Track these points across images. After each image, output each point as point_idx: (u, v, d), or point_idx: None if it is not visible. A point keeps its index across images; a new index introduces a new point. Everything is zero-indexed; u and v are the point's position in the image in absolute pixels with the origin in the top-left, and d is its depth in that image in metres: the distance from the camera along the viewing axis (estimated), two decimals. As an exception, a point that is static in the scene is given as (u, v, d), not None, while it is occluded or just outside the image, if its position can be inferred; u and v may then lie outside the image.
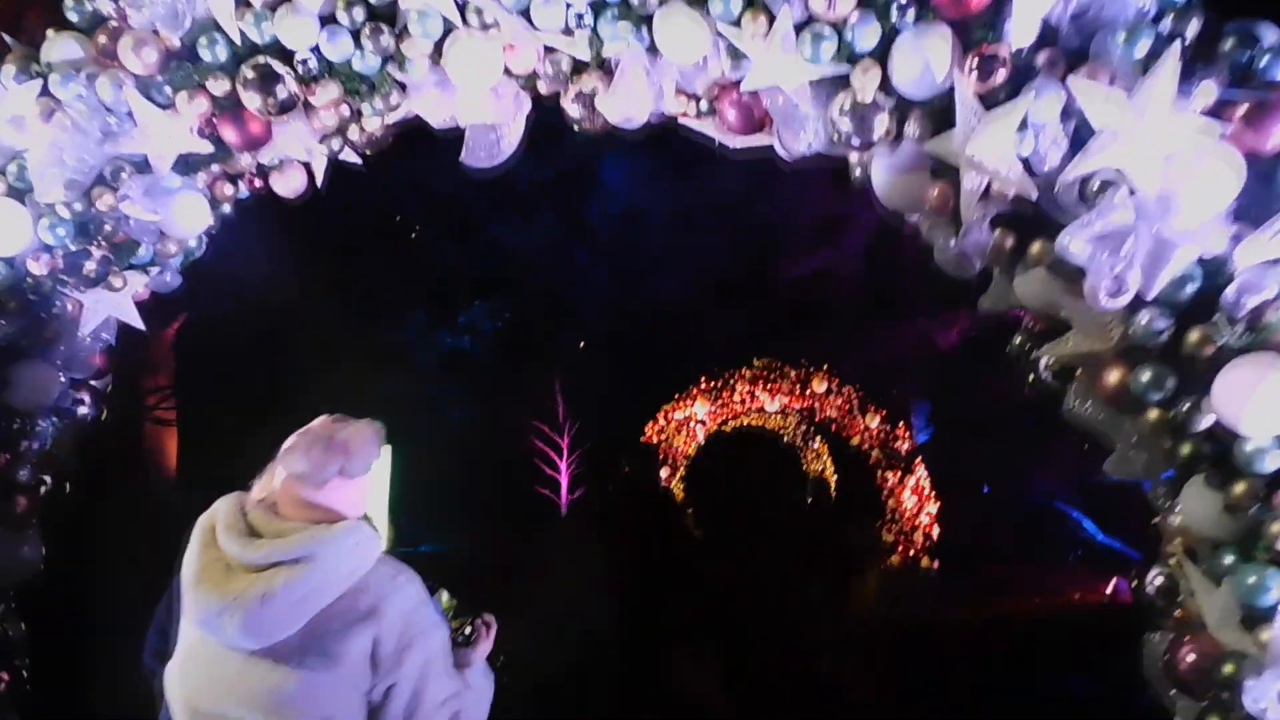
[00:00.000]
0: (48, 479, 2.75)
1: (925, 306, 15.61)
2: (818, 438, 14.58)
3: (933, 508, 9.32)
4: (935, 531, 9.21)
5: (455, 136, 2.84)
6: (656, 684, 5.39)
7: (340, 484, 1.91)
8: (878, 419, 9.73)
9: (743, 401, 10.69)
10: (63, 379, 2.63)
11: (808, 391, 10.02)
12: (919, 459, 9.54)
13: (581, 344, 19.18)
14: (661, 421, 11.17)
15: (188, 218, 2.59)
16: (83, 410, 2.77)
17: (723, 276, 18.41)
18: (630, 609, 5.17)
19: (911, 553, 9.14)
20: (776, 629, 5.84)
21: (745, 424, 13.45)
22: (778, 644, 5.74)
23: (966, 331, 14.63)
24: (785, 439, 15.10)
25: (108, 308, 2.61)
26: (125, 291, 2.66)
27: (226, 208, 2.84)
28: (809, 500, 8.14)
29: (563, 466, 16.10)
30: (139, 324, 2.73)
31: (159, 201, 2.46)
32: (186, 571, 1.86)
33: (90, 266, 2.51)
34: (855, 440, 9.95)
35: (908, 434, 9.71)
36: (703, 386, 10.88)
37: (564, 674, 5.09)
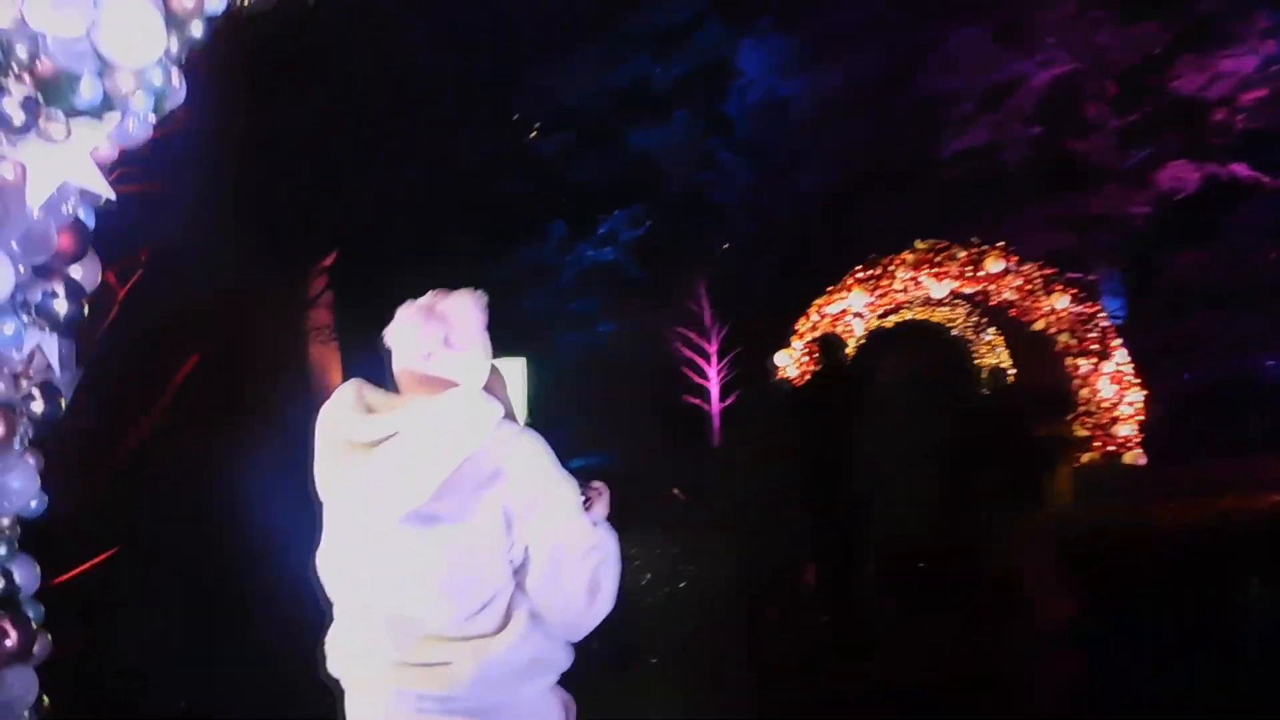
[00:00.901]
0: (35, 394, 2.17)
1: (1113, 169, 13.88)
2: (991, 328, 13.27)
3: (1135, 396, 8.00)
4: (1138, 423, 7.89)
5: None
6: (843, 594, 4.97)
7: (448, 356, 1.89)
8: (1066, 299, 8.38)
9: (904, 290, 9.52)
10: (20, 267, 2.02)
11: (980, 273, 8.76)
12: (1117, 342, 8.17)
13: (725, 245, 18.29)
14: (814, 317, 10.16)
15: (125, 33, 1.90)
16: (59, 305, 2.17)
17: (875, 158, 17.10)
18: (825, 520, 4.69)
19: (1111, 448, 7.89)
20: (962, 539, 5.13)
21: (909, 317, 12.33)
22: (965, 553, 5.09)
23: (1166, 194, 12.89)
24: (954, 330, 13.86)
25: (59, 169, 1.97)
26: (77, 146, 2.01)
27: (196, 27, 2.13)
28: (984, 396, 7.15)
29: (712, 373, 15.43)
30: (106, 190, 2.08)
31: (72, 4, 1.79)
32: (317, 458, 1.90)
33: (11, 109, 1.86)
34: (1039, 325, 8.66)
35: (1102, 314, 8.33)
36: (859, 275, 9.76)
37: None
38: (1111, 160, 14.19)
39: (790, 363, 10.29)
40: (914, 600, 5.29)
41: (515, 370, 8.21)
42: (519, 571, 1.84)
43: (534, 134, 18.12)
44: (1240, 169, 12.94)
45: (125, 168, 2.39)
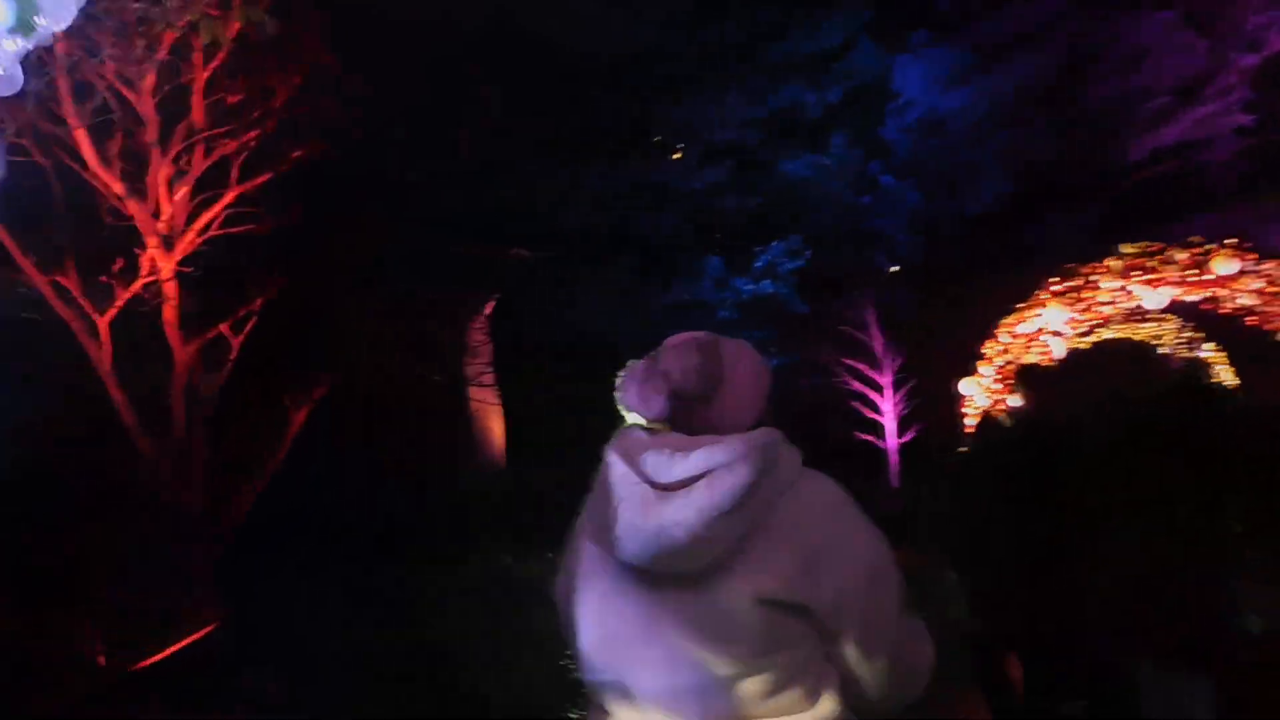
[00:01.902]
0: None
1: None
2: (1210, 343, 11.77)
3: None
4: None
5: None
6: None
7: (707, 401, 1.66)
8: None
9: (1112, 302, 8.38)
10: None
11: (1207, 276, 7.55)
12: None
13: (894, 268, 17.33)
14: (1005, 339, 9.13)
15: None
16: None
17: (1053, 167, 15.87)
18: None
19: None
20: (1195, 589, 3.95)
21: (1109, 335, 11.04)
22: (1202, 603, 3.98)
23: None
24: (1161, 348, 12.39)
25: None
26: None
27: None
28: (1207, 420, 5.92)
29: (887, 407, 14.43)
30: None
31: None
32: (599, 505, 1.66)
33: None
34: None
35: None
36: (1055, 289, 8.67)
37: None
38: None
39: (979, 391, 9.30)
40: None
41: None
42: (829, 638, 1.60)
43: (678, 155, 17.76)
44: None
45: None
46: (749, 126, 20.38)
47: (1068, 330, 8.87)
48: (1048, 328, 8.87)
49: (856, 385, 14.71)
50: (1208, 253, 7.60)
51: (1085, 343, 10.42)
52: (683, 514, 1.52)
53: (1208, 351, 11.74)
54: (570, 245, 14.50)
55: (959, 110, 17.30)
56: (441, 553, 7.38)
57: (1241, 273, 7.33)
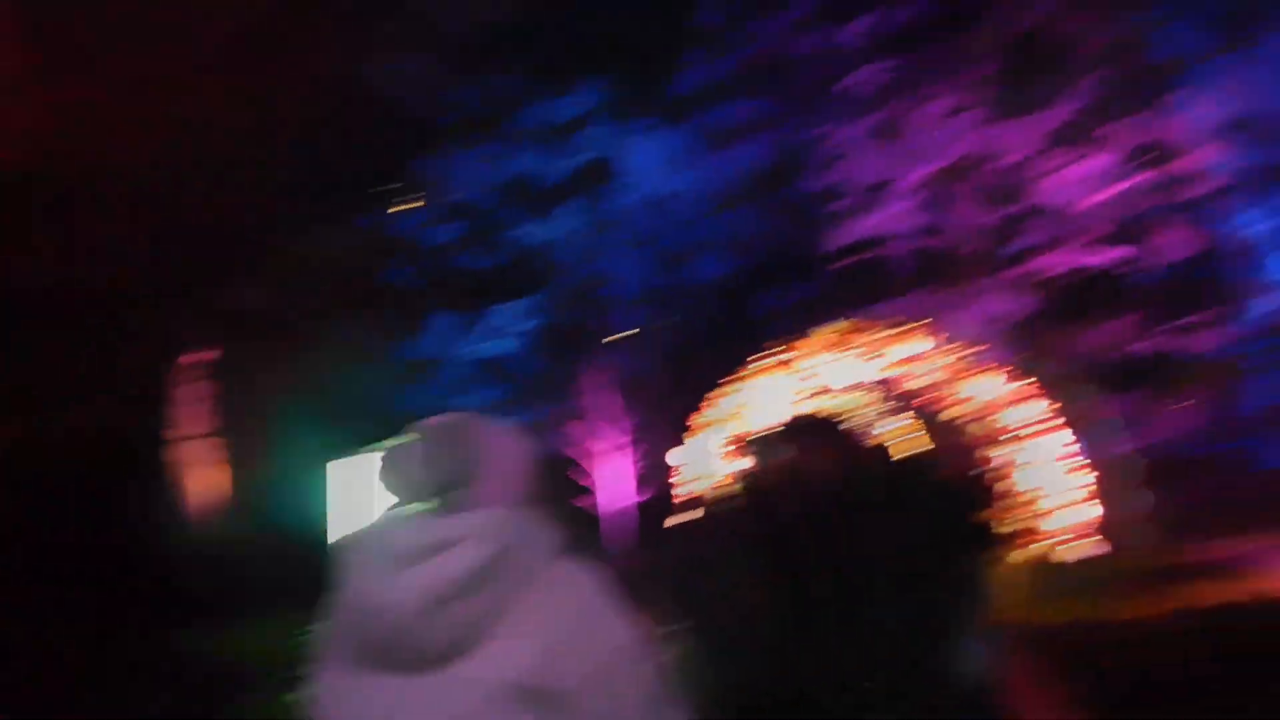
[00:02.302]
0: None
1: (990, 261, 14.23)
2: (906, 414, 13.10)
3: (1079, 482, 7.65)
4: (1080, 513, 7.53)
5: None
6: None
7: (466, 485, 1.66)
8: (998, 379, 8.04)
9: (815, 376, 9.14)
10: None
11: (901, 354, 8.44)
12: (1054, 422, 7.86)
13: (622, 335, 17.93)
14: (720, 408, 9.68)
15: None
16: None
17: (768, 249, 17.23)
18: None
19: (1046, 543, 7.48)
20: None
21: (811, 408, 12.02)
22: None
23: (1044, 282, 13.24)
24: (859, 418, 13.63)
25: None
26: None
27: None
28: (892, 495, 6.56)
29: (618, 469, 14.78)
30: None
31: None
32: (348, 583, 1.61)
33: None
34: (967, 408, 8.32)
35: (1037, 395, 8.02)
36: (766, 361, 9.34)
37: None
38: (987, 252, 14.61)
39: (699, 457, 9.75)
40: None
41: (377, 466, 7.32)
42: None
43: (414, 205, 17.53)
44: (1107, 257, 13.41)
45: None
46: (489, 189, 20.59)
47: (777, 401, 9.54)
48: (757, 401, 9.49)
49: (588, 446, 14.97)
50: (893, 335, 8.53)
51: (793, 413, 11.29)
52: (415, 587, 1.48)
53: (901, 424, 13.11)
54: (301, 296, 13.81)
55: (683, 190, 18.40)
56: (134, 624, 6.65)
57: (920, 354, 8.28)
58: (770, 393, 9.47)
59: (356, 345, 16.34)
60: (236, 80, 9.18)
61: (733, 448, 9.27)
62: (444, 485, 1.62)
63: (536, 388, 17.53)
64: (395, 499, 1.66)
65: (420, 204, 18.24)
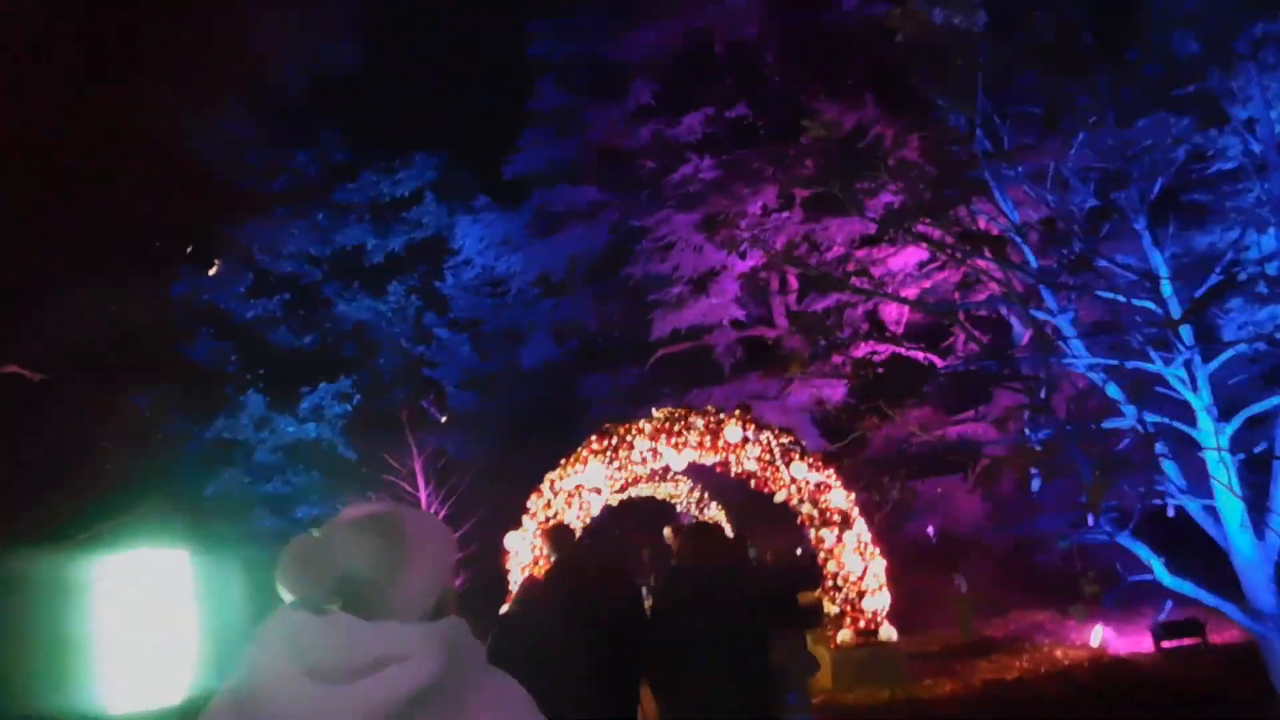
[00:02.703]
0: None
1: (805, 353, 14.83)
2: (714, 502, 13.23)
3: (882, 567, 7.86)
4: (886, 595, 7.71)
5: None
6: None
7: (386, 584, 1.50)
8: (804, 467, 8.26)
9: (643, 460, 9.10)
10: None
11: (720, 442, 8.53)
12: (858, 511, 8.09)
13: (444, 418, 17.43)
14: (548, 494, 9.45)
15: None
16: None
17: (597, 335, 17.30)
18: None
19: (862, 623, 7.60)
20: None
21: (640, 492, 11.98)
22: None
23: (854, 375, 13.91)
24: (678, 505, 13.68)
25: None
26: None
27: None
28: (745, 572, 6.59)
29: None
30: None
31: None
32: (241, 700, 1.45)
33: None
34: (780, 496, 8.48)
35: (838, 484, 8.26)
36: (595, 447, 9.23)
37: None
38: (802, 345, 15.25)
39: (522, 546, 9.44)
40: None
41: (178, 563, 6.79)
42: None
43: (213, 270, 16.63)
44: (915, 348, 14.22)
45: None
46: (310, 262, 19.79)
47: (606, 486, 9.42)
48: (587, 484, 9.34)
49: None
50: (720, 421, 8.62)
51: (620, 499, 11.15)
52: (352, 711, 1.33)
53: (713, 510, 13.26)
54: (87, 366, 12.67)
55: (513, 273, 18.27)
56: None
57: (745, 440, 8.40)
58: (596, 479, 9.33)
59: (149, 421, 15.13)
60: (19, 120, 8.42)
61: (560, 534, 9.03)
62: (363, 584, 1.46)
63: (352, 472, 16.70)
64: (291, 597, 1.47)
65: (231, 272, 17.27)
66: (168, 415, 15.74)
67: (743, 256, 15.46)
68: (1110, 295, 6.09)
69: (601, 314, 17.28)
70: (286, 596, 1.47)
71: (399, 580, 1.46)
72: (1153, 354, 5.85)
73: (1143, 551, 5.73)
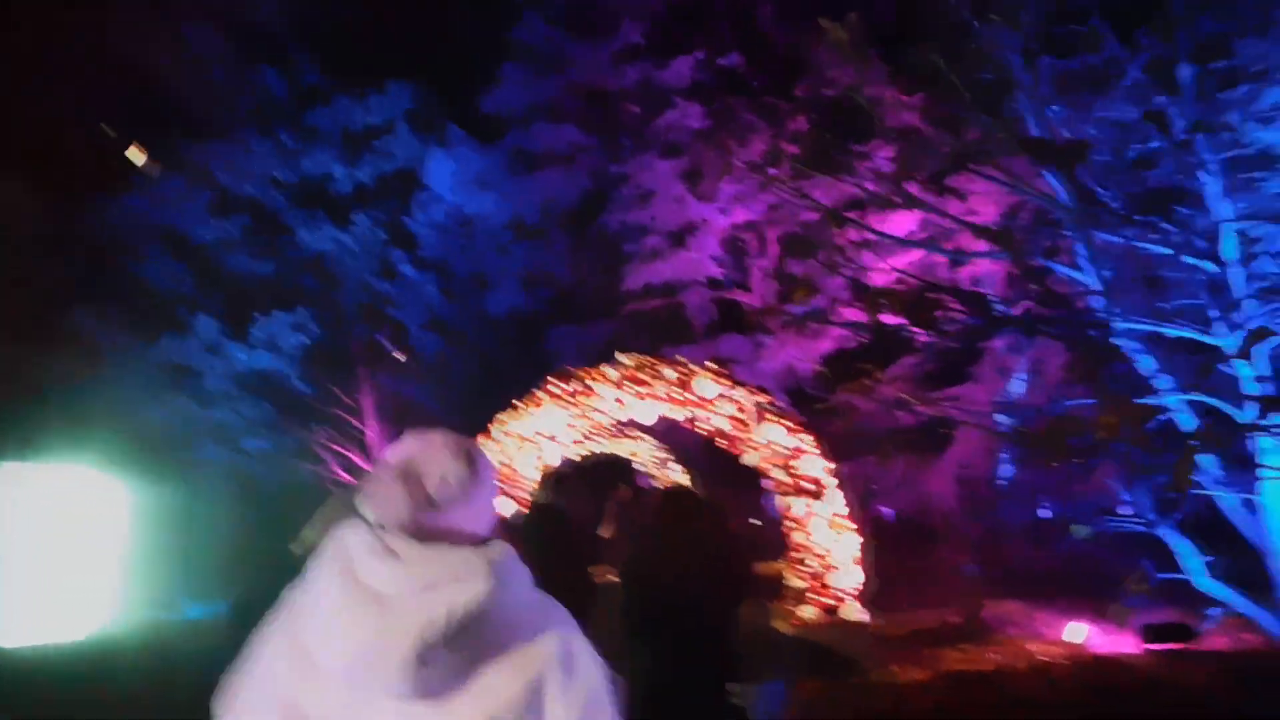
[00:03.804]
0: None
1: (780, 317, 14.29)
2: (679, 464, 12.74)
3: (855, 543, 7.35)
4: (860, 571, 7.21)
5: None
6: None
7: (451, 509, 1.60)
8: (780, 430, 7.68)
9: (606, 410, 8.49)
10: None
11: (690, 396, 7.95)
12: (832, 483, 7.54)
13: (404, 358, 16.76)
14: (499, 436, 8.86)
15: None
16: None
17: (566, 284, 16.66)
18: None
19: (833, 600, 7.09)
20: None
21: (598, 446, 11.41)
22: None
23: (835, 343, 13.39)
24: (637, 464, 13.16)
25: None
26: None
27: None
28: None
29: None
30: None
31: None
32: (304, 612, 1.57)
33: None
34: (750, 458, 7.92)
35: (815, 451, 7.71)
36: (554, 390, 8.62)
37: None
38: (778, 309, 14.73)
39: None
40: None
41: (116, 493, 6.23)
42: None
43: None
44: (895, 319, 13.76)
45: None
46: (275, 185, 18.91)
47: (562, 434, 8.84)
48: (543, 430, 8.76)
49: (343, 475, 13.70)
50: (692, 373, 8.05)
51: (577, 451, 10.56)
52: (408, 626, 1.43)
53: (675, 471, 12.72)
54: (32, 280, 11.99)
55: (484, 214, 17.57)
56: None
57: (719, 396, 7.84)
58: (553, 425, 8.75)
59: (92, 340, 14.37)
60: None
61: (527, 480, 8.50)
62: (444, 501, 1.55)
63: (304, 407, 16.04)
64: (369, 518, 1.56)
65: (190, 189, 16.38)
66: (113, 331, 15.01)
67: (726, 212, 14.87)
68: (1160, 249, 5.52)
69: (575, 265, 16.68)
70: (368, 516, 1.53)
71: (462, 506, 1.54)
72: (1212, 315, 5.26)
73: (1185, 548, 5.22)
